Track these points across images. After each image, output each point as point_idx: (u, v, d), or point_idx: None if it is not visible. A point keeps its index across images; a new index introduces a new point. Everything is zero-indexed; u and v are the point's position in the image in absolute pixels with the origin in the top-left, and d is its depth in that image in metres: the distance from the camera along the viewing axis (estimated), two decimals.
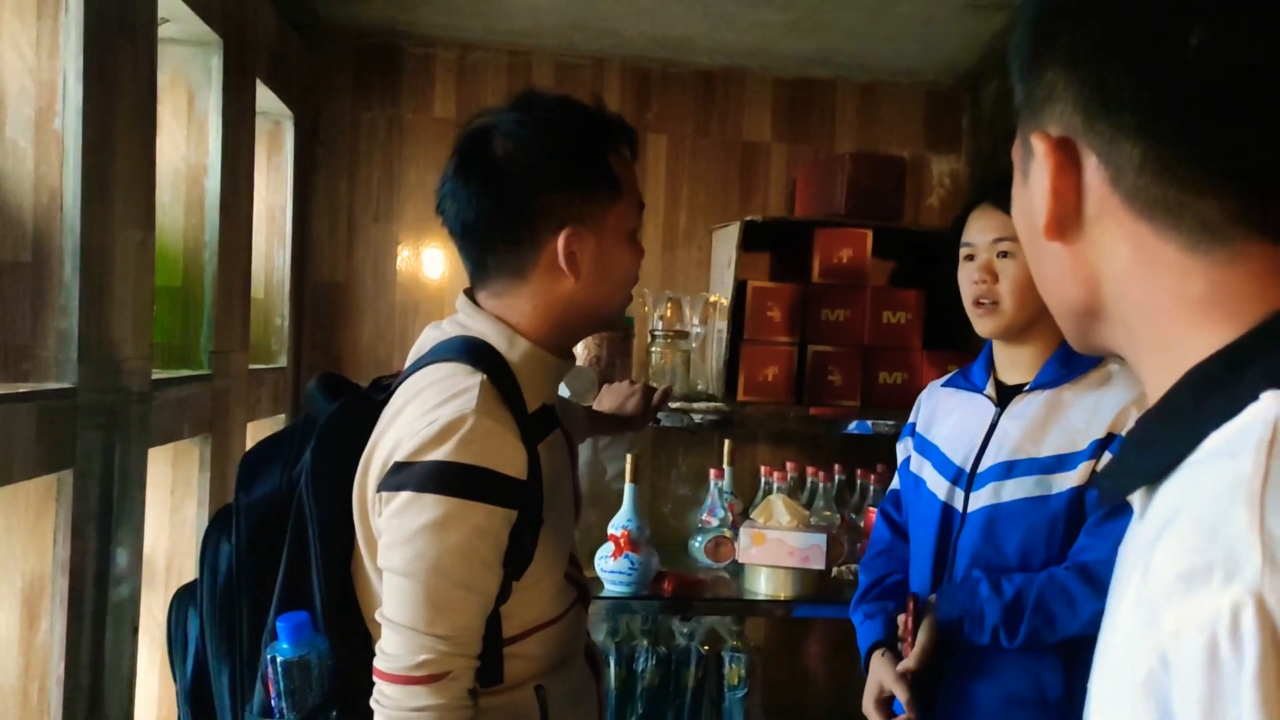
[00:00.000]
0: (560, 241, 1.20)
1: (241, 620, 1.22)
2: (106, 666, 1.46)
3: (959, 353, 2.35)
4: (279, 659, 1.14)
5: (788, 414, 2.46)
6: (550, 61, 2.73)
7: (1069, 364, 1.54)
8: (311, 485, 1.17)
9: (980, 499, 1.55)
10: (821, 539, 2.20)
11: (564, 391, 1.95)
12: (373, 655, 1.13)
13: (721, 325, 2.46)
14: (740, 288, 2.41)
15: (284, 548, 1.20)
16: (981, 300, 1.58)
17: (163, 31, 1.70)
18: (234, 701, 1.23)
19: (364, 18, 2.57)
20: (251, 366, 2.24)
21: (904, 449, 1.81)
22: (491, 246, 1.24)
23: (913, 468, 1.74)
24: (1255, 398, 0.51)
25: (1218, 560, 0.46)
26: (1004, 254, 1.57)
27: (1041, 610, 1.43)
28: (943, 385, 1.78)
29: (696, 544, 2.49)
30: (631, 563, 2.19)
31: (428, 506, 1.08)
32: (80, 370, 1.37)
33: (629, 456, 2.27)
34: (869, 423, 2.46)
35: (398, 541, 1.09)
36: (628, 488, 2.24)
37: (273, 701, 1.15)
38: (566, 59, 2.74)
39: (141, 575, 1.60)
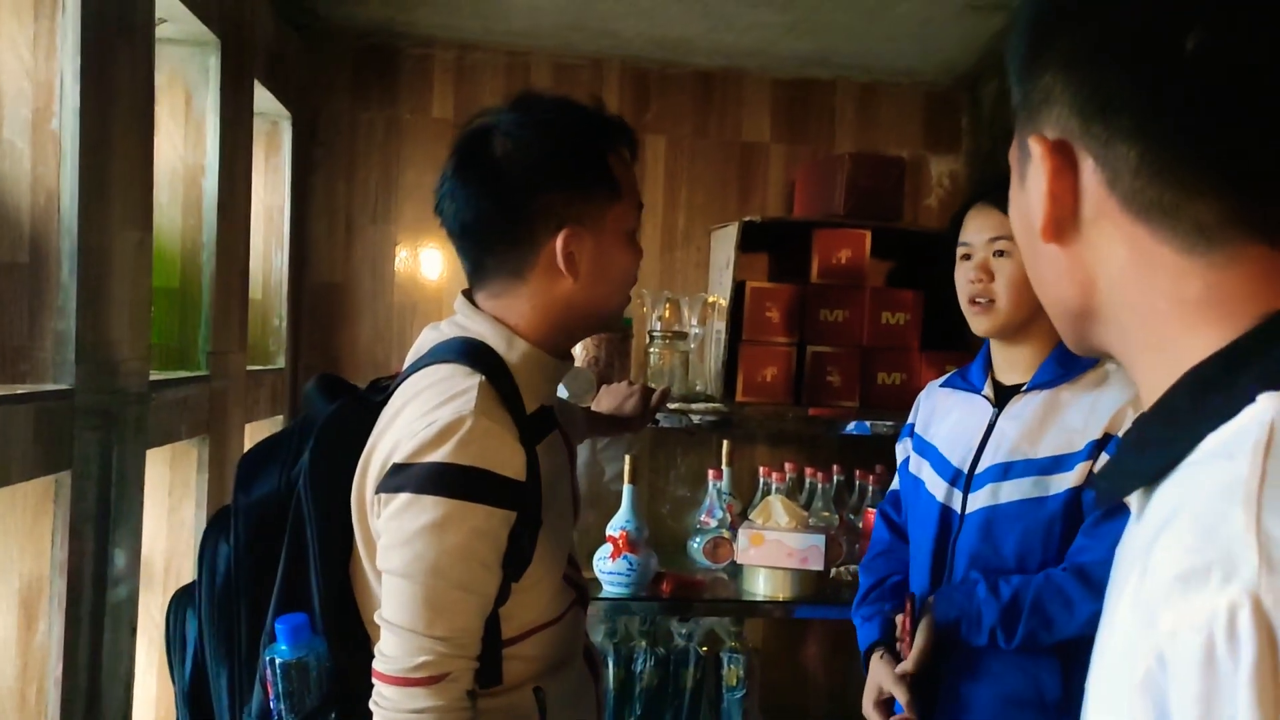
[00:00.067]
0: (559, 242, 1.20)
1: (240, 622, 1.22)
2: (104, 668, 1.46)
3: (958, 353, 2.35)
4: (277, 660, 1.13)
5: (786, 415, 2.46)
6: (548, 62, 2.73)
7: (1066, 364, 1.54)
8: (310, 486, 1.17)
9: (978, 500, 1.55)
10: (820, 540, 2.20)
11: (562, 392, 1.95)
12: (371, 657, 1.13)
13: (720, 326, 2.46)
14: (739, 288, 2.41)
15: (282, 549, 1.19)
16: (977, 299, 1.59)
17: (160, 32, 1.70)
18: (232, 703, 1.23)
19: (362, 18, 2.57)
20: (249, 367, 2.24)
21: (903, 450, 1.81)
22: (490, 247, 1.24)
23: (912, 469, 1.74)
24: (1252, 399, 0.51)
25: (1215, 561, 0.46)
26: (1000, 253, 1.57)
27: (1039, 612, 1.43)
28: (941, 386, 1.78)
29: (695, 545, 2.49)
30: (630, 564, 2.19)
31: (427, 508, 1.08)
32: (78, 371, 1.36)
33: (627, 457, 2.27)
34: (868, 423, 2.46)
35: (397, 543, 1.09)
36: (626, 489, 2.24)
37: (271, 703, 1.15)
38: (565, 59, 2.74)
39: (139, 576, 1.60)
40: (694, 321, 2.55)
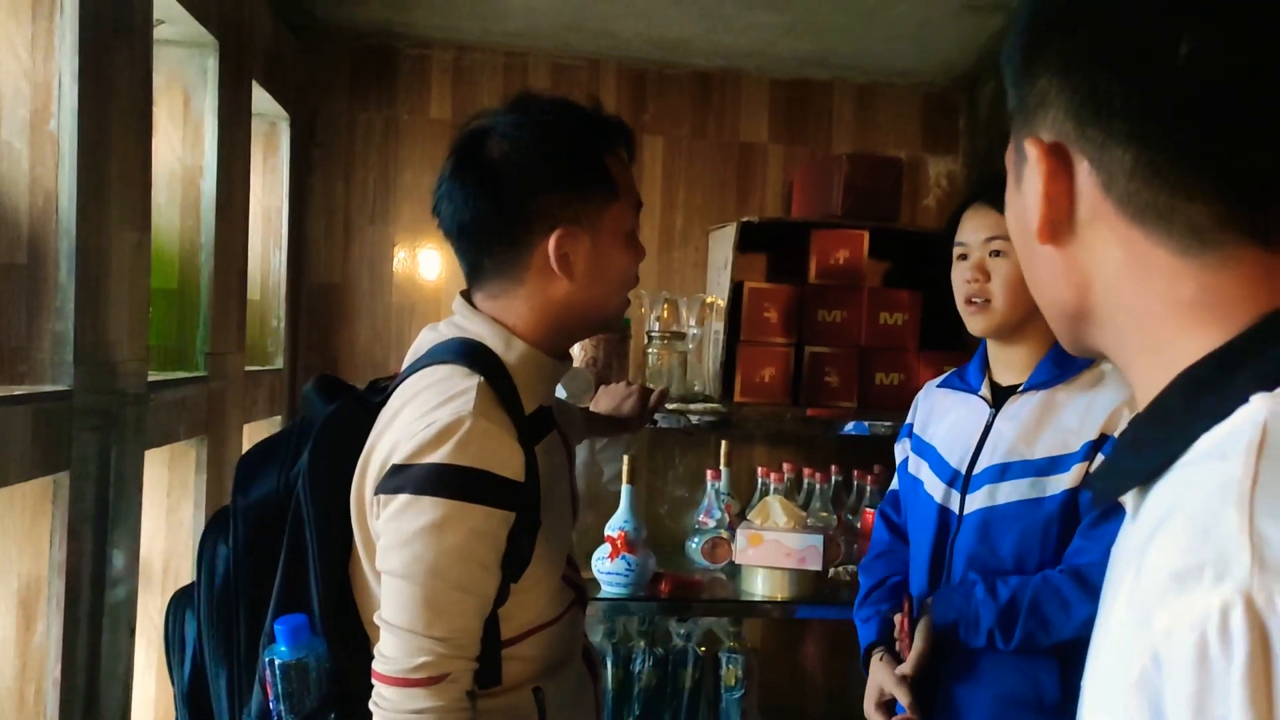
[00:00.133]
0: (551, 243, 1.20)
1: (239, 623, 1.22)
2: (103, 668, 1.46)
3: (956, 353, 2.35)
4: (277, 661, 1.14)
5: (784, 415, 2.46)
6: (546, 63, 2.73)
7: (1062, 364, 1.54)
8: (309, 487, 1.17)
9: (976, 501, 1.55)
10: (818, 540, 2.20)
11: (561, 393, 1.95)
12: (370, 658, 1.13)
13: (718, 326, 2.46)
14: (737, 289, 2.42)
15: (281, 550, 1.20)
16: (973, 299, 1.59)
17: (158, 33, 1.70)
18: (232, 704, 1.23)
19: (360, 19, 2.57)
20: (248, 368, 2.24)
21: (902, 450, 1.81)
22: (487, 248, 1.24)
23: (911, 469, 1.74)
24: (1245, 400, 0.52)
25: (1209, 560, 0.46)
26: (996, 253, 1.58)
27: (1036, 613, 1.43)
28: (939, 386, 1.78)
29: (693, 545, 2.49)
30: (628, 564, 2.19)
31: (426, 509, 1.08)
32: (76, 372, 1.36)
33: (626, 458, 2.27)
34: (866, 424, 2.46)
35: (396, 544, 1.09)
36: (624, 489, 2.24)
37: (271, 704, 1.15)
38: (563, 60, 2.74)
39: (138, 577, 1.60)
40: (692, 322, 2.55)
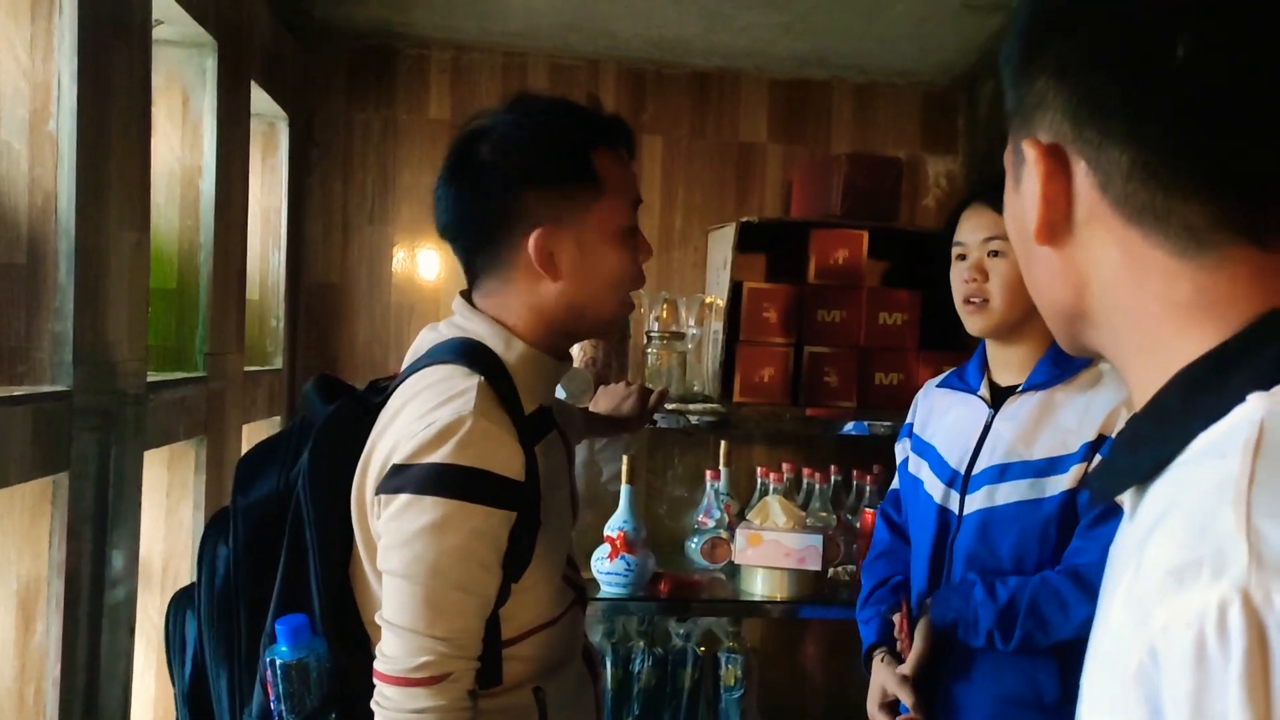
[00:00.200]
0: (531, 242, 1.20)
1: (240, 623, 1.22)
2: (102, 669, 1.46)
3: (955, 353, 2.35)
4: (278, 661, 1.14)
5: (784, 415, 2.47)
6: (545, 63, 2.73)
7: (1060, 364, 1.55)
8: (309, 487, 1.17)
9: (975, 502, 1.56)
10: (818, 540, 2.20)
11: (560, 393, 1.95)
12: (371, 658, 1.13)
13: (717, 326, 2.46)
14: (736, 289, 2.42)
15: (282, 550, 1.20)
16: (972, 299, 1.59)
17: (157, 33, 1.70)
18: (233, 704, 1.23)
19: (359, 19, 2.57)
20: (247, 368, 2.24)
21: (902, 450, 1.81)
22: (474, 248, 1.26)
23: (911, 469, 1.74)
24: (1242, 399, 0.52)
25: (1206, 557, 0.46)
26: (995, 253, 1.58)
27: (1035, 614, 1.44)
28: (938, 385, 1.79)
29: (693, 545, 2.49)
30: (628, 564, 2.20)
31: (426, 509, 1.08)
32: (75, 373, 1.36)
33: (625, 458, 2.27)
34: (865, 423, 2.46)
35: (397, 544, 1.10)
36: (624, 489, 2.24)
37: (272, 704, 1.15)
38: (561, 60, 2.74)
39: (138, 577, 1.60)
40: (691, 322, 2.55)
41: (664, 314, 2.50)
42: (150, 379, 1.65)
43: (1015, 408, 1.57)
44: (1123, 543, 0.58)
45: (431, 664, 1.08)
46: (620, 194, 1.25)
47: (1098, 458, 1.47)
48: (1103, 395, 1.51)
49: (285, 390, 2.56)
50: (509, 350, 1.22)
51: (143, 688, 1.83)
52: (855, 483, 2.58)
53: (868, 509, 2.42)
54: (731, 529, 2.36)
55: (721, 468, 2.55)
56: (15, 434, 1.22)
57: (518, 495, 1.12)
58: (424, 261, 2.72)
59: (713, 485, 2.52)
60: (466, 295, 1.29)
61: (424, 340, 1.28)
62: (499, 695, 1.18)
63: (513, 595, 1.17)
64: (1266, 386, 0.52)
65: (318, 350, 2.67)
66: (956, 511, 1.59)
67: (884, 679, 1.57)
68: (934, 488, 1.64)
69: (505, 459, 1.11)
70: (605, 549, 2.22)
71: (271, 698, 1.15)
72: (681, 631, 2.54)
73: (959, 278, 1.62)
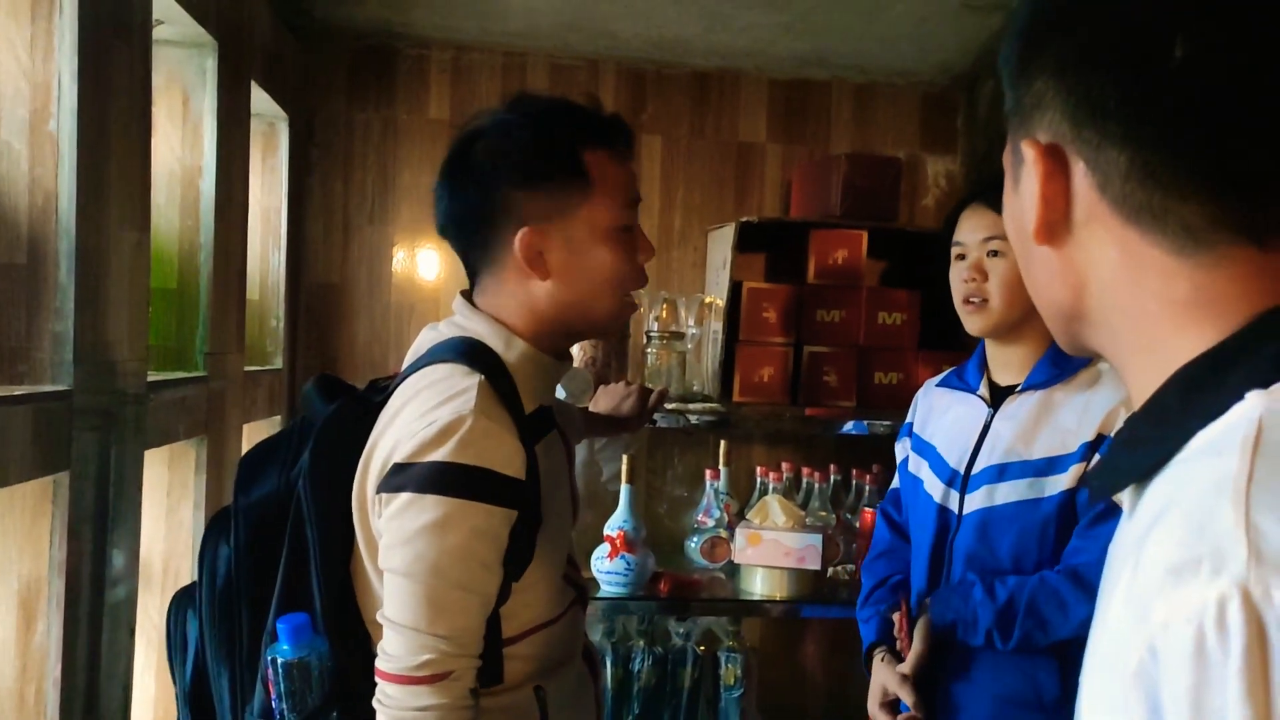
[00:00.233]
0: (517, 241, 1.20)
1: (241, 622, 1.22)
2: (103, 668, 1.46)
3: (954, 353, 2.35)
4: (279, 660, 1.14)
5: (783, 414, 2.47)
6: (545, 63, 2.73)
7: (1059, 364, 1.55)
8: (310, 487, 1.18)
9: (974, 501, 1.56)
10: (817, 539, 2.21)
11: (560, 393, 1.95)
12: (372, 656, 1.14)
13: (717, 326, 2.46)
14: (735, 289, 2.42)
15: (283, 550, 1.20)
16: (971, 299, 1.59)
17: (157, 33, 1.70)
18: (234, 703, 1.23)
19: (359, 19, 2.57)
20: (247, 368, 2.24)
21: (902, 449, 1.81)
22: (469, 247, 1.27)
23: (911, 468, 1.74)
24: (1240, 397, 0.52)
25: (1205, 554, 0.46)
26: (994, 253, 1.58)
27: (1034, 613, 1.44)
28: (938, 385, 1.79)
29: (692, 544, 2.49)
30: (627, 563, 2.20)
31: (427, 507, 1.08)
32: (76, 372, 1.37)
33: (625, 457, 2.27)
34: (864, 423, 2.46)
35: (398, 542, 1.10)
36: (624, 489, 2.24)
37: (273, 703, 1.16)
38: (561, 60, 2.74)
39: (138, 577, 1.60)
40: (691, 322, 2.55)
41: (663, 314, 2.50)
42: (150, 379, 1.65)
43: (1014, 407, 1.58)
44: (1121, 541, 0.59)
45: (433, 662, 1.09)
46: (611, 193, 1.23)
47: (1096, 457, 1.47)
48: (1102, 395, 1.51)
49: (285, 390, 2.56)
50: (509, 349, 1.22)
51: (143, 687, 1.83)
52: (854, 482, 2.59)
53: (867, 508, 2.42)
54: (731, 528, 2.36)
55: (721, 467, 2.55)
56: (16, 433, 1.23)
57: (518, 494, 1.12)
58: (424, 261, 2.72)
59: (712, 485, 2.52)
60: (467, 295, 1.30)
61: (424, 340, 1.28)
62: (500, 694, 1.18)
63: (514, 594, 1.17)
64: (1265, 385, 0.52)
65: (318, 350, 2.67)
66: (956, 511, 1.59)
67: (884, 678, 1.57)
68: (934, 487, 1.64)
69: (506, 457, 1.11)
70: (605, 548, 2.22)
71: (273, 696, 1.15)
72: (681, 631, 2.55)
73: (958, 278, 1.62)
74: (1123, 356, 0.63)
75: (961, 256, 1.62)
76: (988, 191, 1.60)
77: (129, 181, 1.53)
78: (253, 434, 2.28)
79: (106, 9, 1.42)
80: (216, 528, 1.27)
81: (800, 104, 2.85)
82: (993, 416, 1.60)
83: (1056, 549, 1.49)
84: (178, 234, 1.93)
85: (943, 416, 1.70)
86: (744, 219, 2.40)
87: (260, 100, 2.28)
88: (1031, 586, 1.45)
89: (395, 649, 1.10)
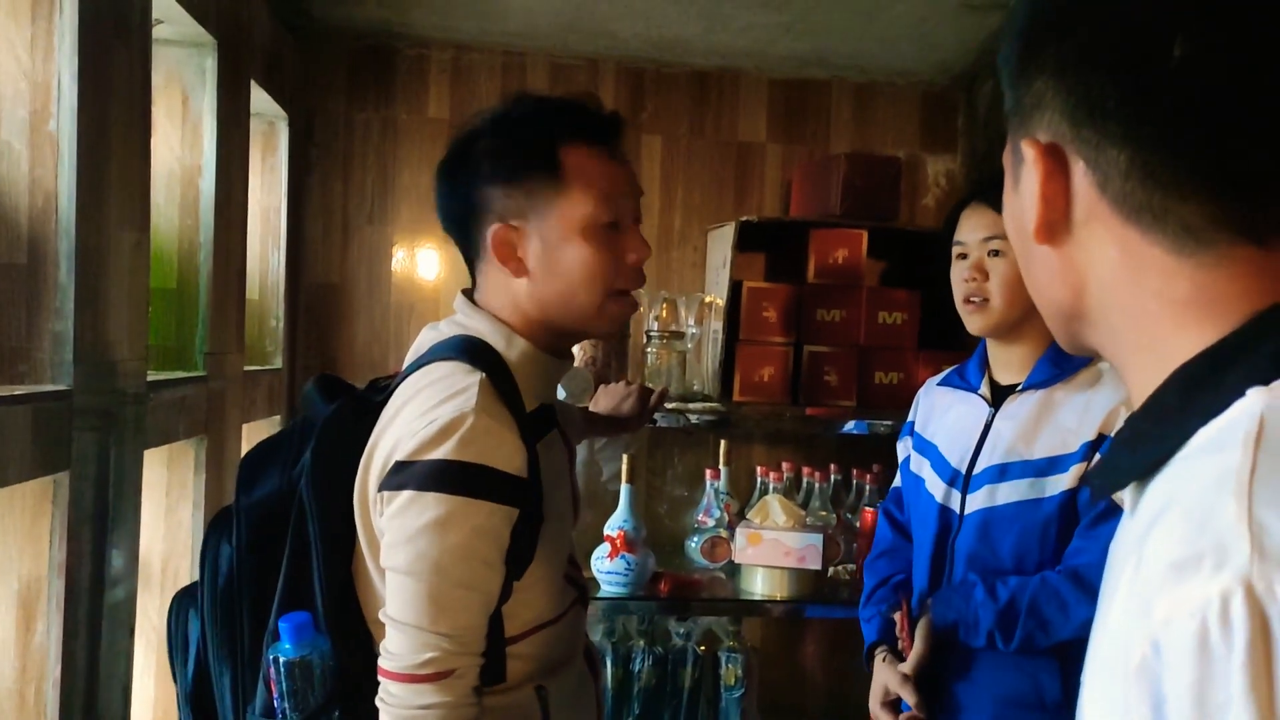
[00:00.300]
0: (489, 238, 1.21)
1: (242, 621, 1.22)
2: (102, 669, 1.46)
3: (955, 352, 2.35)
4: (281, 659, 1.14)
5: (783, 414, 2.47)
6: (545, 63, 2.73)
7: (1060, 363, 1.55)
8: (311, 486, 1.18)
9: (976, 501, 1.56)
10: (818, 539, 2.20)
11: (560, 393, 1.95)
12: (374, 655, 1.14)
13: (717, 326, 2.46)
14: (735, 288, 2.42)
15: (285, 549, 1.20)
16: (972, 298, 1.59)
17: (157, 33, 1.70)
18: (235, 703, 1.24)
19: (359, 19, 2.57)
20: (246, 368, 2.24)
21: (904, 448, 1.81)
22: (459, 244, 1.29)
23: (913, 467, 1.74)
24: (1241, 395, 0.52)
25: (1208, 549, 0.46)
26: (995, 253, 1.58)
27: (1035, 614, 1.44)
28: (939, 384, 1.79)
29: (692, 544, 2.49)
30: (628, 563, 2.20)
31: (429, 505, 1.08)
32: (75, 372, 1.37)
33: (625, 457, 2.27)
34: (865, 423, 2.46)
35: (400, 541, 1.10)
36: (624, 488, 2.24)
37: (275, 702, 1.16)
38: (561, 60, 2.74)
39: (137, 577, 1.60)
40: (691, 321, 2.55)
41: (663, 313, 2.50)
42: (150, 378, 1.65)
43: (1015, 407, 1.58)
44: (1123, 539, 0.59)
45: (436, 660, 1.09)
46: (587, 188, 1.21)
47: (1097, 457, 1.47)
48: (1102, 394, 1.51)
49: (285, 390, 2.56)
50: (510, 348, 1.22)
51: (142, 688, 1.83)
52: (855, 482, 2.59)
53: (867, 508, 2.42)
54: (731, 528, 2.36)
55: (721, 467, 2.55)
56: (15, 433, 1.23)
57: (520, 491, 1.12)
58: (423, 261, 2.72)
59: (712, 484, 2.52)
60: (468, 293, 1.30)
61: (425, 339, 1.28)
62: (502, 693, 1.18)
63: (515, 593, 1.17)
64: (1265, 382, 0.52)
65: (317, 350, 2.67)
66: (958, 511, 1.59)
67: (886, 677, 1.57)
68: (935, 487, 1.64)
69: (507, 455, 1.11)
70: (605, 548, 2.22)
71: (275, 695, 1.15)
72: (681, 631, 2.55)
73: (959, 277, 1.62)
74: (1123, 356, 0.63)
75: (962, 256, 1.62)
76: (988, 191, 1.60)
77: (129, 181, 1.53)
78: (252, 434, 2.28)
79: (106, 9, 1.42)
80: (218, 527, 1.27)
81: (800, 104, 2.85)
82: (994, 416, 1.60)
83: (1058, 549, 1.49)
84: (177, 234, 1.93)
85: (944, 415, 1.70)
86: (744, 218, 2.40)
87: (260, 100, 2.28)
88: (1033, 587, 1.45)
89: (398, 647, 1.10)
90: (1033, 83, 0.62)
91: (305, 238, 2.65)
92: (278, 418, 2.52)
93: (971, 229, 1.61)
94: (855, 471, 2.59)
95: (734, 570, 2.37)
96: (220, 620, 1.23)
